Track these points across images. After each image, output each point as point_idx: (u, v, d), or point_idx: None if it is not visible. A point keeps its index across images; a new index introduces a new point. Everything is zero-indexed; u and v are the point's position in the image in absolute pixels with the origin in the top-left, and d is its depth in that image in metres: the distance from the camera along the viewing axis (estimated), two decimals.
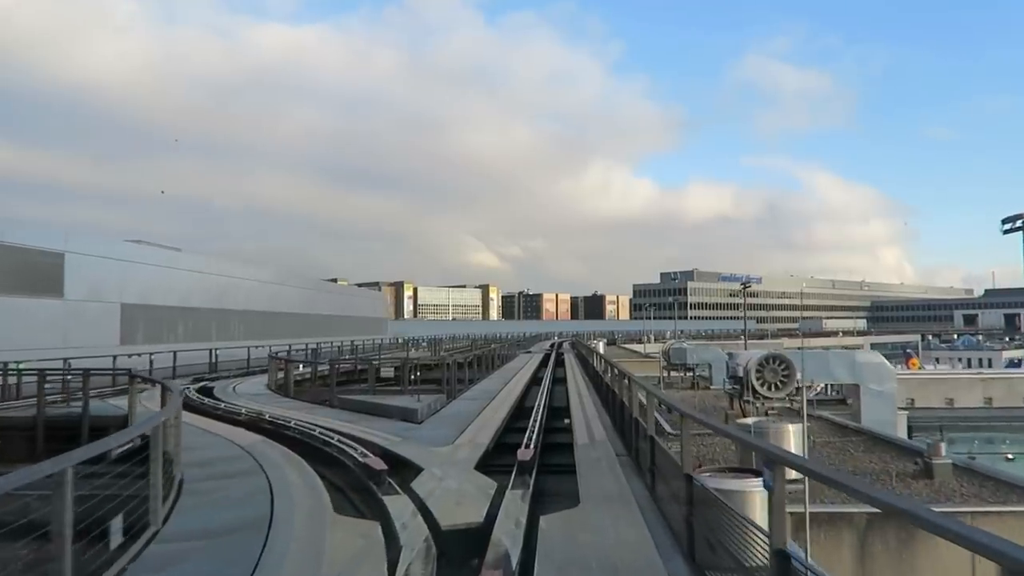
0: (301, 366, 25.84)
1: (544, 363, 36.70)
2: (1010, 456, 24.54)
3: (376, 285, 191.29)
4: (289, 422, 12.80)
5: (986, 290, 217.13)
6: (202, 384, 22.54)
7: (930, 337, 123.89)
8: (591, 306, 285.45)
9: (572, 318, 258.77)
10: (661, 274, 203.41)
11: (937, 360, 69.03)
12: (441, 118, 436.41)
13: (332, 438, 10.86)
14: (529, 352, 52.52)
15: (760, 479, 9.24)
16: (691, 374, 37.55)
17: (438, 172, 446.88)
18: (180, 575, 5.34)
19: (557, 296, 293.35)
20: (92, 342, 24.79)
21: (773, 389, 21.18)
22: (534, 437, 11.28)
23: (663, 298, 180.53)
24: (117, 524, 5.76)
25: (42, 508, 4.60)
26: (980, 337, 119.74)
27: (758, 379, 21.09)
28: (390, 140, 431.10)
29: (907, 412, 24.93)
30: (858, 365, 23.76)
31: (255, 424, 13.53)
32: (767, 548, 4.47)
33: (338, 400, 16.28)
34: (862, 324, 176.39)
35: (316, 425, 12.46)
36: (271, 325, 42.36)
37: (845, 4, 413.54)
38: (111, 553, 5.48)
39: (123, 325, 27.54)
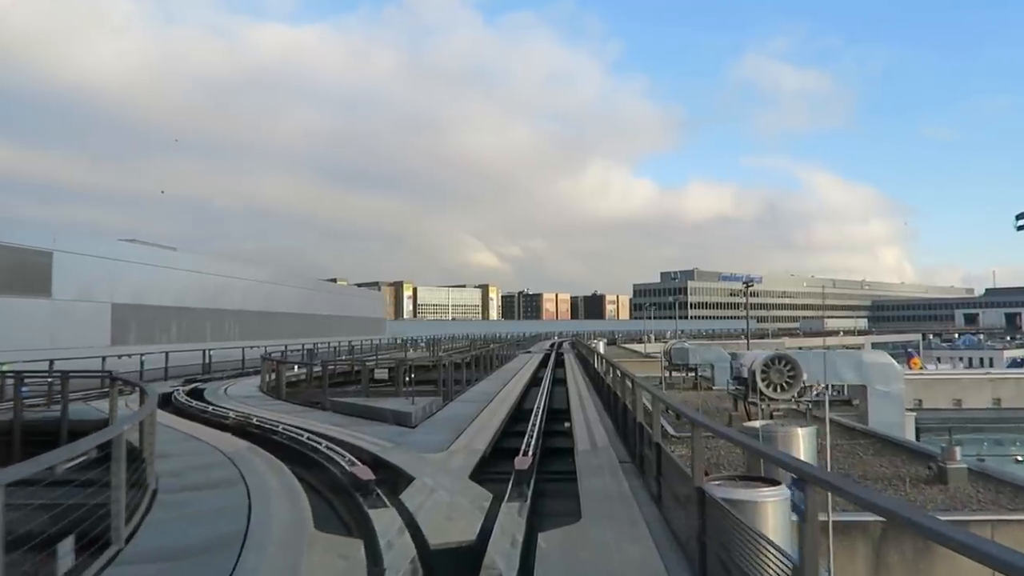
0: (296, 367, 25.32)
1: (544, 363, 36.16)
2: (1020, 458, 24.02)
3: (376, 285, 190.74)
4: (277, 426, 12.26)
5: (987, 289, 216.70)
6: (193, 386, 21.97)
7: (931, 336, 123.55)
8: (591, 306, 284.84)
9: (572, 318, 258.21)
10: (661, 274, 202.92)
11: (938, 360, 68.61)
12: (440, 118, 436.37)
13: (320, 444, 10.32)
14: (529, 352, 51.97)
15: (774, 488, 8.67)
16: (693, 374, 37.03)
17: (437, 172, 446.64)
18: None
19: (557, 296, 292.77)
20: (81, 343, 24.22)
21: (779, 390, 20.64)
22: (533, 442, 10.74)
23: (663, 298, 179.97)
24: (68, 544, 5.22)
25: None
26: (981, 336, 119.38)
27: (763, 380, 20.54)
28: (389, 140, 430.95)
29: (915, 413, 24.42)
30: (865, 365, 23.25)
31: (242, 428, 12.98)
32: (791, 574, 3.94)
33: (330, 403, 15.73)
34: (863, 324, 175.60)
35: (305, 430, 11.91)
36: (267, 325, 41.79)
37: (845, 4, 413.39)
38: None
39: (114, 325, 26.97)
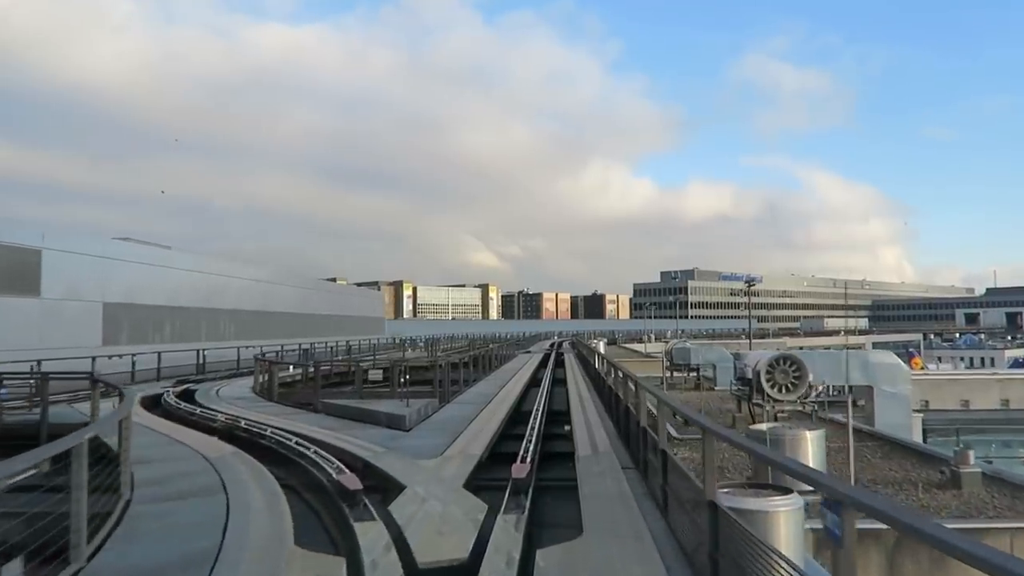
0: (292, 367, 24.84)
1: (544, 363, 35.68)
2: None
3: (375, 285, 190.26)
4: (265, 430, 11.77)
5: (987, 289, 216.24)
6: (185, 387, 21.48)
7: (932, 336, 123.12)
8: (591, 305, 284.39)
9: (572, 317, 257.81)
10: (661, 273, 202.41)
11: (939, 359, 68.25)
12: (440, 118, 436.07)
13: (308, 449, 9.83)
14: (528, 352, 51.47)
15: (786, 497, 8.17)
16: (695, 375, 36.58)
17: (437, 172, 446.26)
18: None
19: (557, 295, 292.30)
20: (71, 343, 23.73)
21: (784, 391, 20.16)
22: (531, 448, 10.25)
23: (664, 297, 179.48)
24: (17, 566, 4.73)
25: None
26: (982, 336, 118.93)
27: (768, 381, 20.06)
28: (389, 140, 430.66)
29: (922, 414, 23.94)
30: (871, 366, 22.76)
31: (229, 432, 12.50)
32: None
33: (322, 405, 15.23)
34: (864, 323, 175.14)
35: (294, 433, 11.43)
36: (264, 325, 41.28)
37: (844, 3, 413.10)
38: None
39: (105, 325, 26.47)
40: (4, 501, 6.37)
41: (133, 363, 24.04)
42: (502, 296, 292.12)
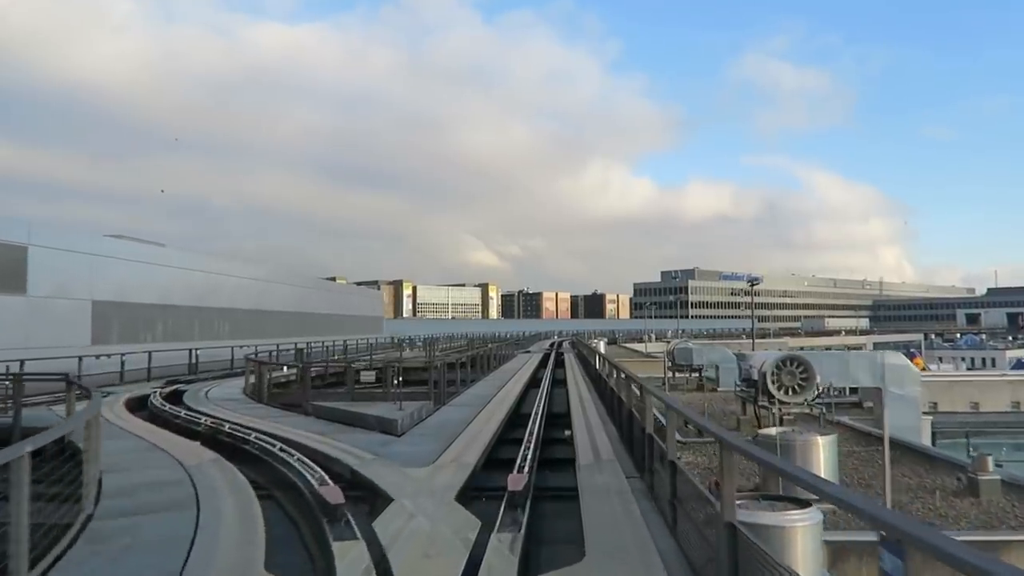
0: (285, 368, 24.24)
1: (543, 363, 35.11)
2: None
3: (375, 284, 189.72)
4: (250, 435, 11.17)
5: (989, 289, 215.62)
6: (174, 388, 20.87)
7: (933, 336, 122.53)
8: (591, 305, 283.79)
9: (572, 317, 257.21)
10: (662, 273, 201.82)
11: (940, 360, 67.73)
12: (439, 117, 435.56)
13: (292, 456, 9.22)
14: (528, 352, 50.89)
15: (804, 511, 7.55)
16: (697, 375, 35.98)
17: (437, 171, 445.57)
18: None
19: (557, 295, 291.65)
20: (59, 341, 23.11)
21: (790, 393, 19.57)
22: (529, 455, 9.65)
23: (664, 297, 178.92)
24: None
25: None
26: (983, 336, 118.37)
27: (774, 382, 19.47)
28: (389, 139, 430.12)
29: (931, 417, 23.34)
30: (880, 367, 22.12)
31: (212, 437, 11.91)
32: None
33: (312, 407, 14.63)
34: (864, 323, 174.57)
35: (279, 439, 10.84)
36: (260, 324, 40.65)
37: (844, 3, 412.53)
38: None
39: (95, 324, 25.84)
40: None
41: (122, 363, 23.44)
42: (502, 295, 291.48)
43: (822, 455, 12.64)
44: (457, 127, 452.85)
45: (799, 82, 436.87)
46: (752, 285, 56.41)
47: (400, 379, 15.19)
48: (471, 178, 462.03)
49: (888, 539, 2.87)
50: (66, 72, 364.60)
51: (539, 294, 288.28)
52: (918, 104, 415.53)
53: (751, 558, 4.64)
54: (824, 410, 20.01)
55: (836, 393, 27.86)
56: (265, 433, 11.42)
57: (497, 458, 11.01)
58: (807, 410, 19.47)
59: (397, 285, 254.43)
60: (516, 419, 15.34)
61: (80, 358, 21.34)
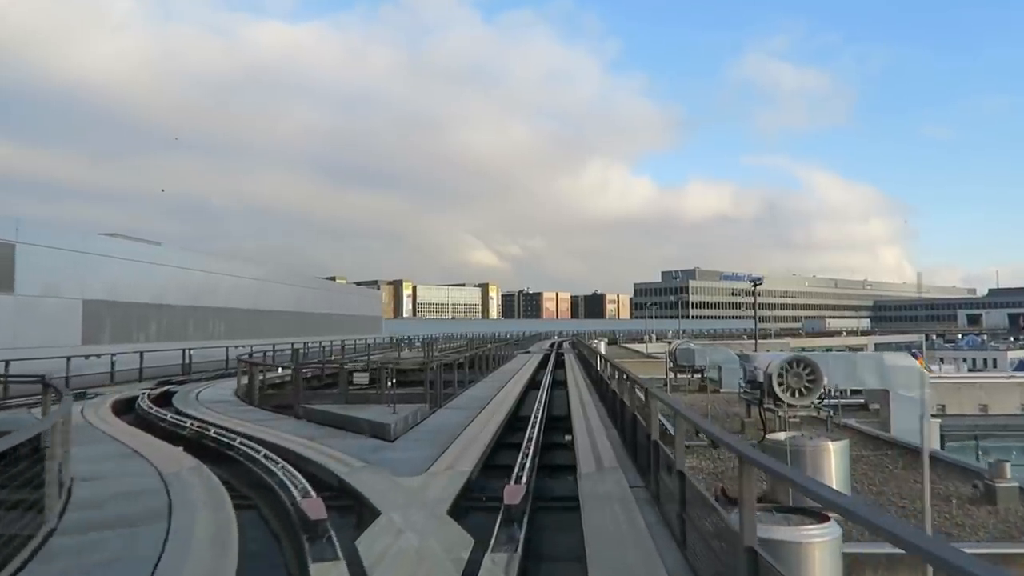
0: (280, 369, 23.73)
1: (543, 364, 34.60)
2: None
3: (375, 284, 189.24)
4: (235, 440, 10.65)
5: (990, 289, 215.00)
6: (165, 389, 20.38)
7: (934, 337, 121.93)
8: (591, 305, 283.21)
9: (572, 317, 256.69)
10: (662, 273, 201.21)
11: (942, 360, 67.28)
12: (439, 116, 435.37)
13: (276, 464, 8.71)
14: (528, 352, 50.37)
15: (823, 526, 7.01)
16: (699, 376, 35.47)
17: (436, 171, 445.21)
18: None
19: (557, 295, 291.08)
20: (49, 341, 22.59)
21: (796, 395, 19.06)
22: (528, 462, 9.13)
23: (664, 297, 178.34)
24: None
25: None
26: (985, 337, 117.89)
27: (780, 384, 18.97)
28: (388, 138, 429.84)
29: (939, 420, 22.81)
30: (887, 369, 21.67)
31: (196, 442, 11.41)
32: None
33: (303, 411, 14.10)
34: (865, 324, 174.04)
35: (265, 444, 10.33)
36: (256, 324, 40.14)
37: (843, 3, 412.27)
38: None
39: (86, 323, 25.32)
40: None
41: (112, 363, 22.94)
42: (502, 295, 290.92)
43: (833, 462, 12.10)
44: (457, 127, 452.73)
45: (799, 82, 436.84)
46: (755, 285, 55.81)
47: (394, 381, 14.65)
48: (471, 178, 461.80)
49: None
50: (66, 71, 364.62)
51: (539, 294, 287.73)
52: (918, 104, 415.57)
53: None
54: (831, 413, 19.48)
55: (838, 394, 27.37)
56: (251, 438, 10.91)
57: (494, 464, 10.53)
58: (814, 413, 18.95)
59: (397, 285, 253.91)
60: (515, 422, 14.85)
61: (68, 358, 20.81)
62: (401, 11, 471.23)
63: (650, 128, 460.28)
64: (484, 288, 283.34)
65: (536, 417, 13.84)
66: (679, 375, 34.76)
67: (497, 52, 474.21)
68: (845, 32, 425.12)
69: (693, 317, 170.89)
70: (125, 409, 16.70)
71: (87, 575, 5.21)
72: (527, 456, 9.53)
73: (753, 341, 61.04)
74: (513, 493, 6.94)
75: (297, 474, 8.02)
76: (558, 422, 15.36)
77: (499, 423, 13.59)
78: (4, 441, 5.29)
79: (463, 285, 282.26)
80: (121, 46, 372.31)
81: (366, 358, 33.72)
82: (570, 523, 7.30)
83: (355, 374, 16.66)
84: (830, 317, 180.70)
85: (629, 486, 8.44)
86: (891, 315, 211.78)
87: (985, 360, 77.55)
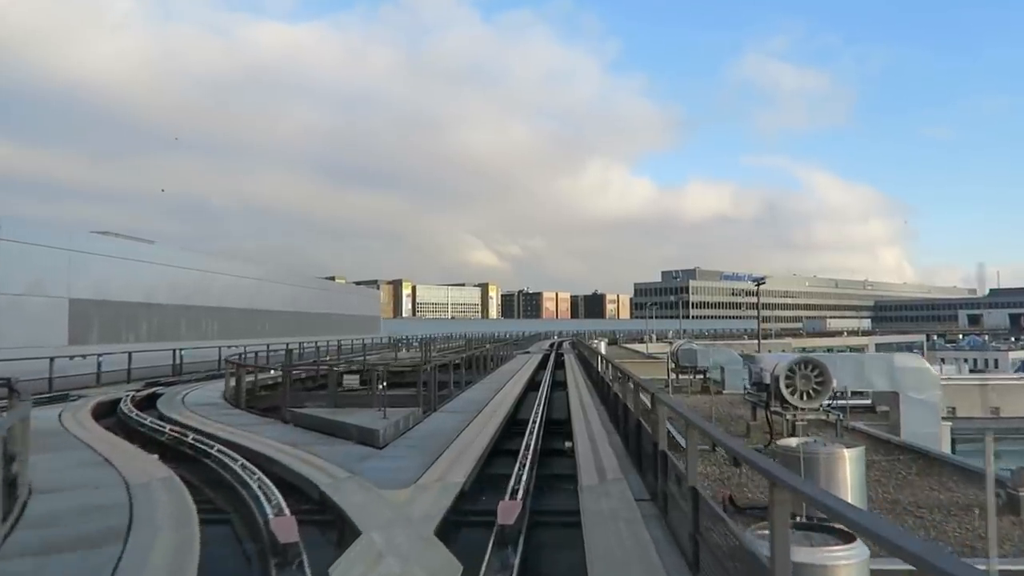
0: (273, 371, 23.05)
1: (543, 365, 33.98)
2: None
3: (375, 284, 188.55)
4: (213, 447, 10.00)
5: (991, 289, 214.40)
6: (152, 391, 19.72)
7: (935, 337, 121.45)
8: (591, 305, 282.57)
9: (572, 317, 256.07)
10: (663, 273, 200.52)
11: (943, 360, 66.80)
12: (439, 116, 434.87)
13: (254, 476, 8.06)
14: (527, 352, 49.74)
15: (848, 547, 6.38)
16: (701, 377, 34.79)
17: (436, 170, 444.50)
18: None
19: (557, 295, 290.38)
20: (33, 341, 21.91)
21: (805, 398, 18.43)
22: (525, 473, 8.47)
23: (665, 297, 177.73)
24: None
25: None
26: (986, 337, 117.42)
27: (788, 387, 18.33)
28: (388, 138, 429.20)
29: (950, 423, 22.19)
30: (897, 370, 20.98)
31: (173, 449, 10.77)
32: None
33: (290, 415, 13.45)
34: (866, 324, 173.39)
35: (246, 451, 9.70)
36: (251, 323, 39.47)
37: (844, 3, 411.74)
38: None
39: (72, 322, 24.64)
40: None
41: (99, 364, 22.26)
42: (502, 295, 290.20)
43: (848, 470, 11.47)
44: (456, 126, 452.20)
45: (799, 82, 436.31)
46: (758, 285, 55.16)
47: (384, 384, 13.98)
48: (471, 178, 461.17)
49: None
50: (65, 71, 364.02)
51: (539, 294, 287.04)
52: (918, 104, 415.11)
53: None
54: (840, 416, 18.82)
55: (838, 395, 26.65)
56: (231, 445, 10.26)
57: (490, 473, 9.88)
58: (823, 416, 18.29)
59: (396, 285, 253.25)
60: (512, 427, 14.21)
61: (52, 359, 20.13)
62: (400, 11, 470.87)
63: (650, 128, 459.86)
64: (484, 288, 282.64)
65: (535, 422, 13.20)
66: (681, 376, 34.05)
67: (497, 52, 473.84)
68: (845, 33, 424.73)
69: (693, 317, 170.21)
70: (107, 412, 16.06)
71: None
72: (524, 466, 8.89)
73: (753, 341, 60.45)
74: (508, 511, 6.29)
75: (273, 487, 7.37)
76: (558, 426, 14.73)
77: (496, 428, 12.94)
78: None
79: (463, 285, 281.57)
80: (121, 46, 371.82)
81: (360, 359, 33.10)
82: (571, 542, 6.66)
83: (345, 376, 16.01)
84: (830, 317, 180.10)
85: (634, 499, 7.80)
86: (892, 315, 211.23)
87: (986, 360, 77.30)
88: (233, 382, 17.58)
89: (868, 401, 25.62)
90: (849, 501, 11.32)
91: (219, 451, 9.63)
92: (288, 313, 46.06)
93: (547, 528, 7.33)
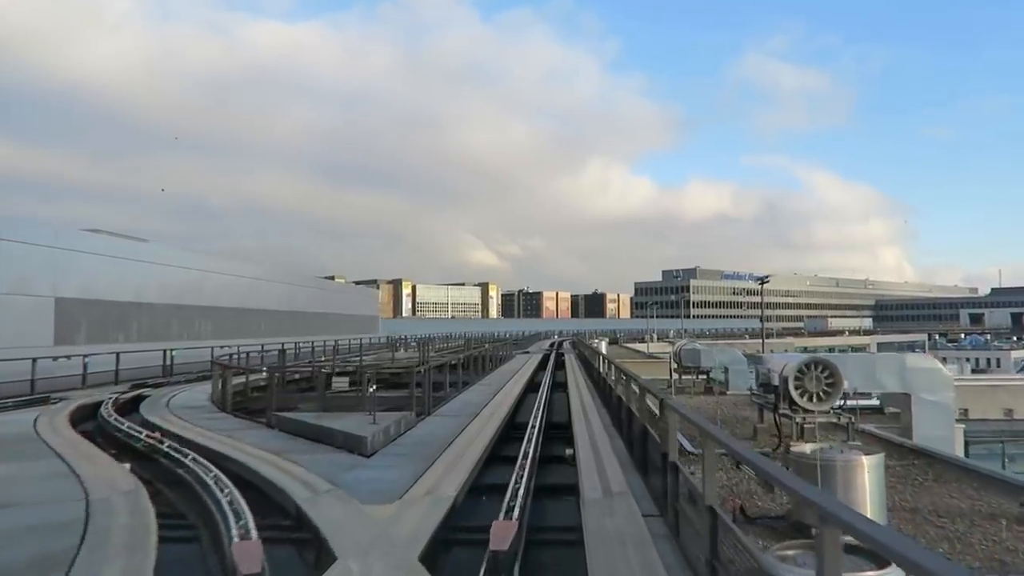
0: (265, 372, 22.35)
1: (543, 365, 33.30)
2: None
3: (374, 283, 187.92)
4: (187, 456, 9.30)
5: (992, 289, 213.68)
6: (137, 393, 19.05)
7: (937, 336, 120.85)
8: (592, 304, 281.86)
9: (572, 316, 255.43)
10: (663, 272, 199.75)
11: (945, 360, 66.20)
12: (438, 116, 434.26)
13: (225, 488, 7.36)
14: (527, 352, 49.05)
15: (885, 572, 5.74)
16: (704, 377, 34.13)
17: (436, 170, 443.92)
18: None
19: (557, 294, 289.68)
20: (18, 342, 21.20)
21: (814, 400, 17.75)
22: (522, 486, 7.77)
23: (666, 296, 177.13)
24: None
25: None
26: (987, 336, 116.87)
27: (797, 388, 17.66)
28: (387, 138, 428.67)
29: (963, 425, 21.50)
30: (908, 371, 20.28)
31: (146, 457, 10.10)
32: None
33: (277, 419, 12.75)
34: (867, 323, 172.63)
35: (223, 460, 9.02)
36: (245, 323, 38.76)
37: (843, 3, 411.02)
38: None
39: (58, 322, 23.95)
40: None
41: (84, 365, 21.57)
42: (502, 295, 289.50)
43: (867, 478, 10.78)
44: (456, 126, 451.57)
45: (799, 82, 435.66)
46: (762, 283, 54.44)
47: (375, 387, 13.28)
48: (470, 177, 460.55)
49: None
50: (65, 71, 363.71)
51: (539, 293, 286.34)
52: (918, 104, 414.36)
53: None
54: (852, 419, 18.13)
55: (847, 397, 25.92)
56: (209, 452, 9.59)
57: (485, 484, 9.20)
58: (834, 419, 17.60)
59: (396, 284, 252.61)
60: (510, 431, 13.52)
61: (34, 360, 19.43)
62: (399, 10, 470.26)
63: (650, 128, 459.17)
64: (484, 287, 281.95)
65: (534, 427, 12.51)
66: (684, 376, 33.37)
67: (496, 51, 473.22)
68: (845, 32, 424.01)
69: (694, 316, 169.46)
70: (88, 416, 15.38)
71: None
72: (522, 477, 8.19)
73: (754, 340, 59.78)
74: (502, 533, 5.60)
75: (243, 504, 6.67)
76: (558, 431, 14.04)
77: (492, 433, 12.25)
78: None
79: (463, 284, 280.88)
80: (120, 46, 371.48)
81: (357, 359, 32.37)
82: (571, 564, 6.00)
83: (334, 378, 15.30)
84: (832, 316, 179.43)
85: (642, 514, 7.11)
86: (893, 314, 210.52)
87: (988, 360, 76.96)
88: (220, 384, 16.88)
89: (876, 402, 24.94)
90: (869, 511, 10.49)
91: (193, 460, 8.93)
92: (284, 313, 45.37)
93: (546, 548, 6.66)
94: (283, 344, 35.40)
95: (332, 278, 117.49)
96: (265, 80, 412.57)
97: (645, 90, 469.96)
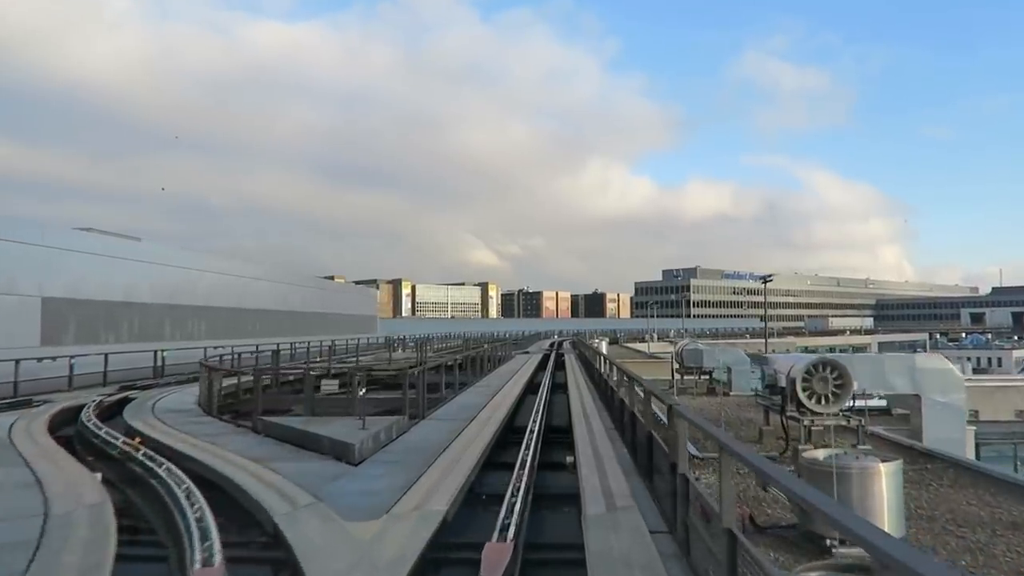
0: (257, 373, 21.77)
1: (543, 365, 32.72)
2: None
3: (374, 283, 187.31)
4: (161, 466, 8.71)
5: (993, 288, 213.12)
6: (123, 395, 18.46)
7: (938, 335, 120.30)
8: (592, 304, 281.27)
9: (572, 316, 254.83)
10: (664, 271, 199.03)
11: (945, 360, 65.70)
12: (438, 116, 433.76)
13: (195, 505, 6.77)
14: (527, 353, 48.45)
15: None
16: (706, 378, 33.55)
17: (436, 170, 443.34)
18: None
19: (557, 294, 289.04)
20: (2, 342, 20.61)
21: (823, 402, 17.17)
22: (519, 500, 7.19)
23: (666, 296, 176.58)
24: None
25: None
26: (989, 336, 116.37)
27: (805, 390, 17.09)
28: (387, 137, 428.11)
29: (974, 427, 20.93)
30: (918, 372, 19.71)
31: (121, 464, 9.51)
32: None
33: (263, 424, 12.16)
34: (868, 322, 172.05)
35: (200, 469, 8.43)
36: (240, 323, 38.17)
37: (843, 3, 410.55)
38: None
39: (45, 322, 23.35)
40: None
41: (71, 366, 20.97)
42: (502, 295, 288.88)
43: (885, 486, 10.19)
44: (456, 126, 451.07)
45: (799, 82, 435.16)
46: (765, 282, 53.86)
47: (364, 390, 12.69)
48: (470, 177, 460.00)
49: None
50: (65, 71, 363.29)
51: (539, 293, 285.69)
52: (917, 104, 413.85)
53: None
54: (862, 421, 17.56)
55: (854, 398, 25.31)
56: (187, 459, 9.01)
57: (479, 494, 8.63)
58: (843, 422, 17.02)
59: (396, 284, 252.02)
60: (508, 436, 12.94)
61: (17, 361, 18.84)
62: (399, 10, 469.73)
63: (650, 128, 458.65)
64: (484, 287, 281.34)
65: (533, 431, 11.93)
66: (686, 377, 32.78)
67: (496, 51, 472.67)
68: (845, 32, 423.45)
69: (694, 316, 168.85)
70: (69, 420, 14.79)
71: None
72: (519, 489, 7.61)
73: (755, 340, 59.19)
74: (495, 556, 5.02)
75: (211, 522, 6.08)
76: (558, 435, 13.46)
77: (489, 438, 11.66)
78: None
79: (462, 284, 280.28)
80: (119, 45, 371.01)
81: (353, 359, 31.82)
82: None
83: (323, 380, 14.72)
84: (832, 316, 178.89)
85: (649, 531, 6.53)
86: (894, 314, 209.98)
87: (990, 359, 76.64)
88: (207, 387, 16.28)
89: (883, 403, 24.38)
90: (886, 520, 9.76)
91: (167, 471, 8.33)
92: (281, 312, 44.76)
93: (544, 570, 6.07)
94: (278, 344, 34.81)
95: (332, 278, 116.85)
96: (265, 80, 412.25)
97: (645, 90, 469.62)
